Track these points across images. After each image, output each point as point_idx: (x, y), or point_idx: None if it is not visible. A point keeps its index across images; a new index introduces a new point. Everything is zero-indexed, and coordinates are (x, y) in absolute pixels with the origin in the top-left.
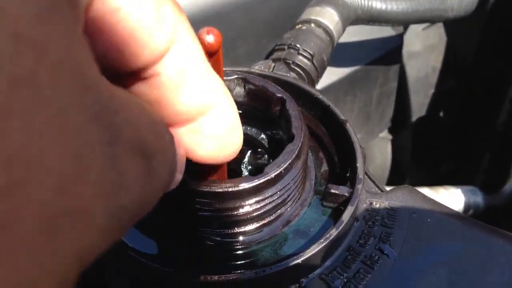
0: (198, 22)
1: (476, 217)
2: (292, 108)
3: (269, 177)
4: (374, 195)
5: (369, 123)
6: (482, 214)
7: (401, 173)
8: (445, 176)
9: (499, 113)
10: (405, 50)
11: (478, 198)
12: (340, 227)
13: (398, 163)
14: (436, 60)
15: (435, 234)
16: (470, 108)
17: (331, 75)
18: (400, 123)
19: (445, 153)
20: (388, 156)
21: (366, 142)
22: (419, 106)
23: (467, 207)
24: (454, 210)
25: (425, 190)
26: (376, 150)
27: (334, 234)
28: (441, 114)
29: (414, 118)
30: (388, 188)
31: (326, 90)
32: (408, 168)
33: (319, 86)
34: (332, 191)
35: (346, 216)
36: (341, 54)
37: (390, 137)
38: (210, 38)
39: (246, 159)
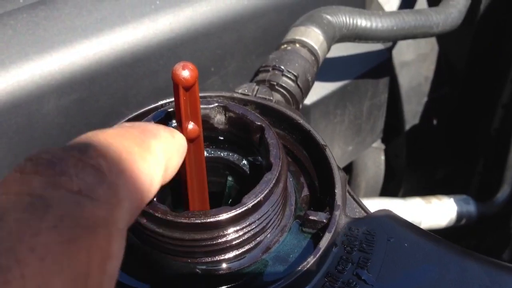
0: (186, 41)
1: (469, 226)
2: (271, 137)
3: (246, 207)
4: (353, 219)
5: (360, 135)
6: (475, 223)
7: (396, 181)
8: (440, 182)
9: (492, 119)
10: (397, 60)
11: (471, 207)
12: (318, 255)
13: (393, 171)
14: (428, 69)
15: (411, 259)
16: (463, 115)
17: (321, 89)
18: (394, 131)
19: (439, 160)
20: (381, 166)
21: (357, 154)
22: (412, 114)
23: (459, 217)
24: (432, 234)
25: (417, 200)
26: (369, 161)
27: (312, 261)
28: (435, 121)
29: (407, 126)
30: (378, 201)
31: (316, 104)
32: (403, 176)
33: (309, 100)
34: (311, 217)
35: (323, 243)
36: (330, 68)
37: (383, 147)
38: (186, 73)
39: (227, 183)
